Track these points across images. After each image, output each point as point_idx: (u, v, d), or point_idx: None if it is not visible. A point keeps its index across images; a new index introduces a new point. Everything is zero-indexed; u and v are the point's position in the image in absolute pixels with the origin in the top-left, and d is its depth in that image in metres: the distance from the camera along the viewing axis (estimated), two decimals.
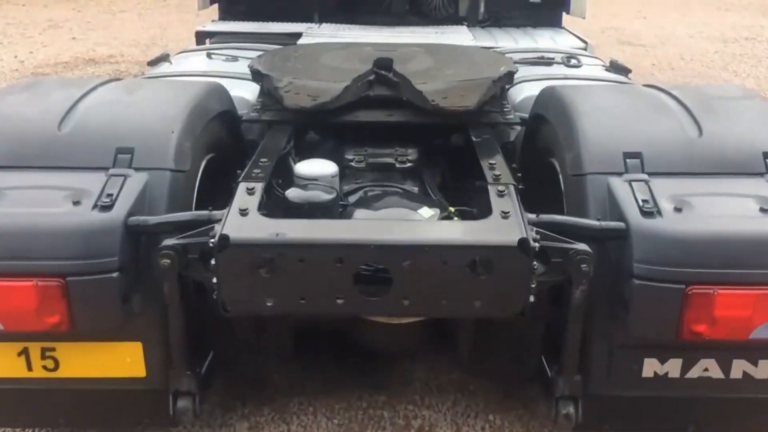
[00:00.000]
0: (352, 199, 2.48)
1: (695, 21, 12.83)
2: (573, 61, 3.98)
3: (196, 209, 2.25)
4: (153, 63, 4.08)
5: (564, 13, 5.59)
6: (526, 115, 3.14)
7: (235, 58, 4.03)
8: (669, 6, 14.45)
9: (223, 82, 3.51)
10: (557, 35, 5.18)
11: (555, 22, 5.60)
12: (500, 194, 2.08)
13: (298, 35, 4.87)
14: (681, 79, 8.56)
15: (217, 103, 2.74)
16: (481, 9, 5.56)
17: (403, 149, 2.72)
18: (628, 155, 2.19)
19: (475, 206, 2.34)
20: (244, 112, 3.01)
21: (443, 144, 2.90)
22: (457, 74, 2.87)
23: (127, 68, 8.68)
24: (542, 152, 2.79)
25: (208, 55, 4.05)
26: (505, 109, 2.82)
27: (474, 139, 2.58)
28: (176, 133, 2.26)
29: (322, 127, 2.81)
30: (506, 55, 4.34)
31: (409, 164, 2.66)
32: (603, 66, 4.08)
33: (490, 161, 2.33)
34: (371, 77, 2.86)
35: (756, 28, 12.03)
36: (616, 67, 3.99)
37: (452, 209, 2.21)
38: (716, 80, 8.56)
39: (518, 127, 2.77)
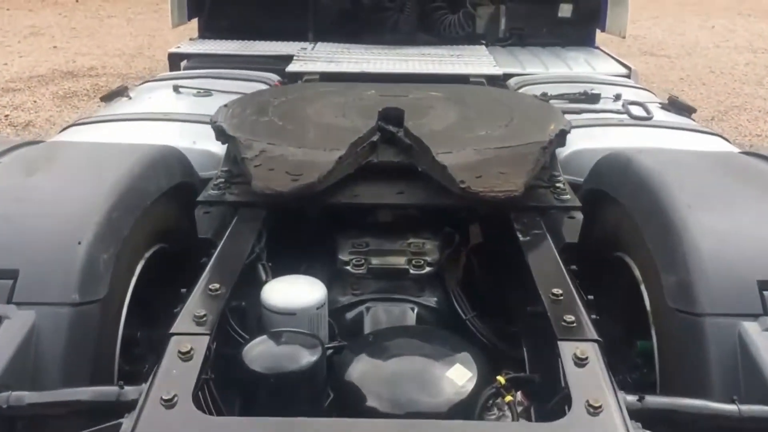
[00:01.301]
0: (347, 321, 1.73)
1: (718, 28, 12.06)
2: (623, 97, 3.22)
3: (126, 351, 1.52)
4: (107, 98, 3.34)
5: (598, 31, 4.83)
6: (578, 179, 2.40)
7: (208, 93, 3.29)
8: (687, 11, 13.67)
9: (189, 128, 2.80)
10: (592, 57, 4.42)
11: (587, 41, 4.84)
12: (579, 362, 1.31)
13: (289, 58, 4.12)
14: (716, 98, 7.79)
15: (165, 178, 2.00)
16: (502, 26, 4.79)
17: (418, 242, 1.98)
18: (766, 286, 1.44)
19: (529, 348, 1.59)
20: (212, 173, 2.27)
21: (472, 233, 2.15)
22: (492, 136, 2.11)
23: (107, 82, 7.92)
24: (603, 240, 2.04)
25: (176, 89, 3.30)
26: (558, 186, 2.04)
27: (519, 236, 1.81)
28: (85, 244, 1.52)
29: (307, 211, 2.05)
30: (537, 84, 3.64)
31: (427, 268, 1.91)
32: (659, 103, 3.32)
33: (551, 286, 1.55)
34: (375, 137, 2.11)
35: None
36: (676, 106, 3.24)
37: (502, 378, 1.44)
38: (754, 98, 7.79)
39: (579, 215, 1.98)
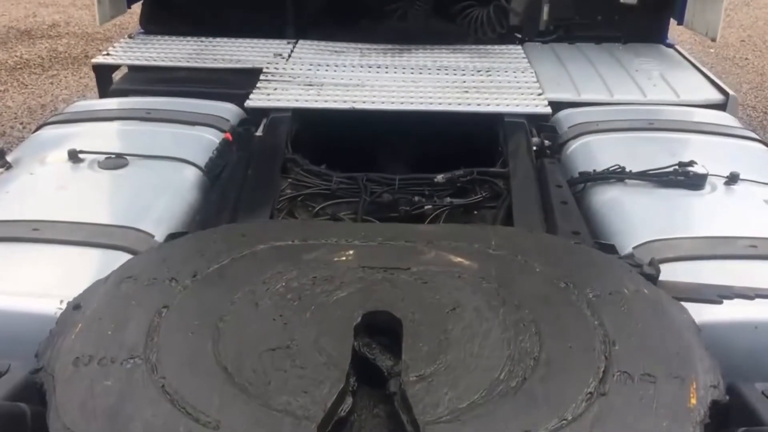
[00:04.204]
0: None
1: None
2: (740, 174, 2.13)
3: None
4: None
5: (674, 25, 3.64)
6: None
7: (120, 160, 2.23)
8: None
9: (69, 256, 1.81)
10: (671, 69, 3.24)
11: (657, 36, 3.65)
12: None
13: (256, 72, 3.01)
14: None
15: None
16: (544, 15, 3.59)
17: None
18: None
19: None
20: None
21: None
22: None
23: (67, 47, 6.77)
24: None
25: (72, 156, 2.23)
26: None
27: None
28: None
29: None
30: (601, 132, 2.54)
31: None
32: None
33: None
34: (347, 393, 1.12)
35: None
36: None
37: None
38: None
39: None
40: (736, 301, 1.45)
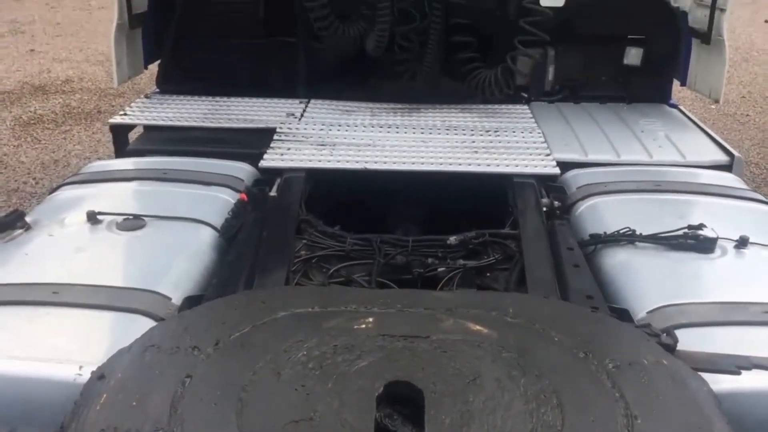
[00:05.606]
0: None
1: None
2: (749, 238, 2.15)
3: None
4: None
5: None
6: None
7: (138, 221, 2.27)
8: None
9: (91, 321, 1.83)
10: (675, 130, 3.30)
11: (660, 96, 3.73)
12: None
13: (270, 132, 3.07)
14: None
15: None
16: (549, 76, 3.68)
17: None
18: None
19: None
20: None
21: None
22: None
23: (80, 102, 6.90)
24: None
25: (91, 218, 2.27)
26: None
27: None
28: None
29: None
30: (609, 194, 2.58)
31: None
32: None
33: None
34: None
35: None
36: None
37: None
38: None
39: None
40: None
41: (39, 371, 1.61)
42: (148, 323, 1.73)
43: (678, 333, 1.63)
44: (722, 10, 3.18)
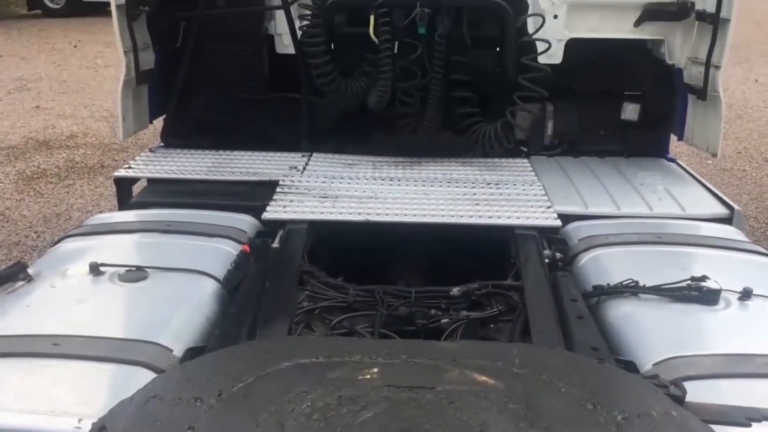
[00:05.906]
0: None
1: (763, 81, 10.89)
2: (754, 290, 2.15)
3: None
4: None
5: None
6: None
7: (141, 274, 2.26)
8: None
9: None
10: (674, 183, 3.33)
11: (658, 150, 3.78)
12: None
13: (272, 185, 3.10)
14: None
15: None
16: (548, 131, 3.74)
17: None
18: None
19: None
20: None
21: None
22: None
23: (83, 158, 6.97)
24: None
25: (94, 269, 2.27)
26: None
27: None
28: None
29: None
30: (611, 246, 2.58)
31: None
32: None
33: None
34: None
35: None
36: None
37: None
38: None
39: None
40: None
41: (38, 424, 1.58)
42: (148, 375, 1.72)
43: (685, 385, 1.62)
44: (717, 67, 3.25)
